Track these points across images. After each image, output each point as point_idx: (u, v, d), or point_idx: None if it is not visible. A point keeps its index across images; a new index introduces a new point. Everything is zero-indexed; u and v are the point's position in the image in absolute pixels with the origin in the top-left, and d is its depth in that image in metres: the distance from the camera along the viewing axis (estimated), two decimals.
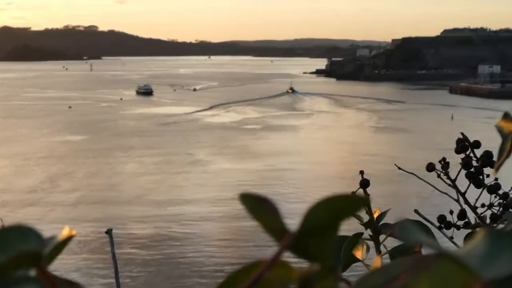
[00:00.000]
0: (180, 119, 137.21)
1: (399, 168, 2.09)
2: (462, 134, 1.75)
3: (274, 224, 0.59)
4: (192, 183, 63.90)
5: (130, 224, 45.83)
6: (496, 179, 1.65)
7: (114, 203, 53.23)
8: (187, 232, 44.08)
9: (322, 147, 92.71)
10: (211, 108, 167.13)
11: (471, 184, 1.69)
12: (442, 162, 1.77)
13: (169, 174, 68.90)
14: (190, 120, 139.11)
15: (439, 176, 1.75)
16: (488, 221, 1.68)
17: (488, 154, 1.65)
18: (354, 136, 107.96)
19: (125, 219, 47.89)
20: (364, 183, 1.64)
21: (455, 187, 1.71)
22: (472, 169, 1.69)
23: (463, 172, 1.74)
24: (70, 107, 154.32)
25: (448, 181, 1.73)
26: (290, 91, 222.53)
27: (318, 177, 66.57)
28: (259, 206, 0.61)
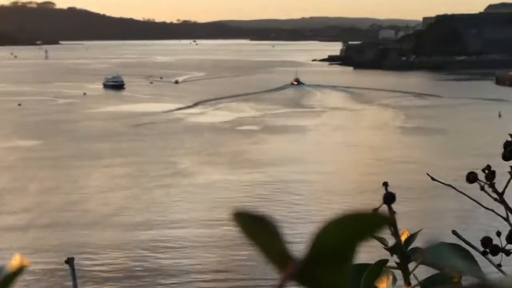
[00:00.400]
0: (158, 119, 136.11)
1: (433, 179, 2.10)
2: None
3: (276, 249, 0.59)
4: (174, 199, 63.98)
5: (96, 253, 45.50)
6: None
7: (75, 226, 53.08)
8: (167, 264, 43.85)
9: (335, 153, 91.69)
10: (197, 104, 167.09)
11: None
12: (487, 171, 1.73)
13: (145, 189, 68.84)
14: (172, 120, 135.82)
15: (482, 188, 1.72)
16: None
17: None
18: (376, 139, 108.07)
19: (89, 246, 47.63)
20: (389, 198, 1.61)
21: (503, 202, 1.65)
22: None
23: None
24: (19, 104, 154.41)
25: (494, 195, 1.69)
26: (295, 83, 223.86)
27: (331, 191, 66.57)
28: (257, 227, 0.60)
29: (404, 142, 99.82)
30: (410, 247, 1.55)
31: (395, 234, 1.56)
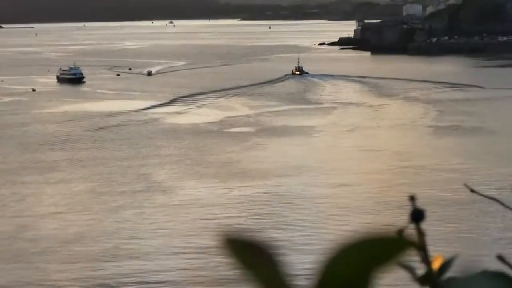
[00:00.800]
0: (127, 120, 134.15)
1: (472, 191, 2.12)
2: None
3: (275, 282, 0.62)
4: (148, 222, 63.75)
5: None
6: None
7: (25, 258, 52.93)
8: None
9: (350, 160, 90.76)
10: (175, 101, 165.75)
11: None
12: None
13: (111, 209, 68.40)
14: (144, 122, 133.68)
15: None
16: None
17: None
18: (401, 142, 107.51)
19: (44, 284, 47.36)
20: (417, 215, 1.63)
21: None
22: None
23: None
24: None
25: None
26: (297, 73, 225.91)
27: (345, 208, 66.26)
28: (252, 256, 0.63)
29: (437, 146, 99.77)
30: (444, 277, 1.56)
31: (425, 260, 1.56)
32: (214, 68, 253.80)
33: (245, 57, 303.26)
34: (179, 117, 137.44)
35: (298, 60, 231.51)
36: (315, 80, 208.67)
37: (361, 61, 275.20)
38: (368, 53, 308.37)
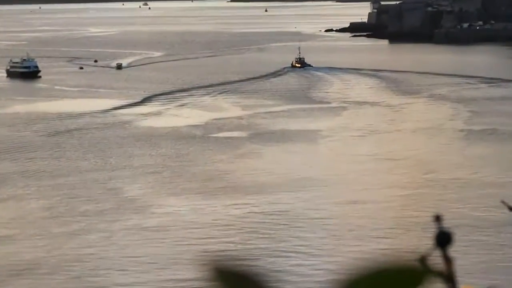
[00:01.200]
0: (92, 123, 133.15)
1: (511, 209, 2.01)
2: None
3: None
4: (116, 249, 63.13)
5: None
6: None
7: None
8: None
9: (364, 172, 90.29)
10: (150, 100, 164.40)
11: None
12: None
13: (71, 232, 67.65)
14: (113, 125, 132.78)
15: None
16: None
17: None
18: (425, 149, 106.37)
19: None
20: (443, 239, 1.63)
21: None
22: None
23: None
24: None
25: None
26: (297, 65, 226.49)
27: (357, 230, 65.73)
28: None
29: (469, 154, 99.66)
30: None
31: None
32: (198, 60, 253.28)
33: (236, 46, 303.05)
34: (155, 119, 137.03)
35: (299, 50, 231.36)
36: (320, 74, 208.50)
37: (376, 51, 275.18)
38: (385, 42, 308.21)
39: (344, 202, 75.83)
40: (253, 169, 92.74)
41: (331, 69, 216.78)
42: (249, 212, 72.99)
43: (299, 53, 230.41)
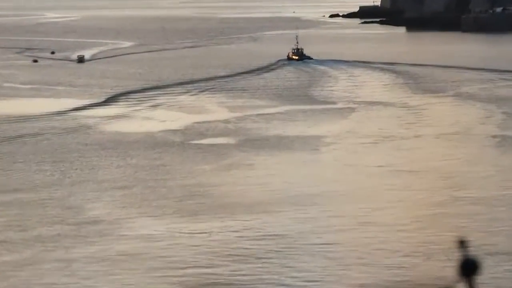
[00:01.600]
0: (48, 127, 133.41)
1: None
2: None
3: None
4: (75, 281, 61.94)
5: None
6: None
7: None
8: None
9: (377, 186, 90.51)
10: (119, 99, 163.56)
11: None
12: None
13: (21, 261, 66.66)
14: (73, 129, 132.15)
15: None
16: None
17: None
18: (450, 159, 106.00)
19: None
20: (468, 267, 1.74)
21: None
22: None
23: None
24: None
25: None
26: (294, 57, 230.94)
27: (368, 255, 65.65)
28: None
29: (503, 165, 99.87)
30: None
31: None
32: (177, 52, 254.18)
33: (223, 35, 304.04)
34: (124, 122, 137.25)
35: (297, 39, 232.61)
36: (322, 68, 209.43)
37: (391, 40, 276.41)
38: (402, 29, 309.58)
39: (352, 224, 75.96)
40: (243, 184, 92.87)
41: (336, 62, 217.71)
42: (237, 237, 73.04)
43: (297, 43, 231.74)
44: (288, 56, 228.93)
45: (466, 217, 76.58)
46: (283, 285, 60.44)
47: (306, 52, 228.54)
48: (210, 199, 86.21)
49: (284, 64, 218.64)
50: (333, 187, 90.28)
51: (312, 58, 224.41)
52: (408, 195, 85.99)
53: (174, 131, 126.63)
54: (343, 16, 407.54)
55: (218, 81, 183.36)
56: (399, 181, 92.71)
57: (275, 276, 62.24)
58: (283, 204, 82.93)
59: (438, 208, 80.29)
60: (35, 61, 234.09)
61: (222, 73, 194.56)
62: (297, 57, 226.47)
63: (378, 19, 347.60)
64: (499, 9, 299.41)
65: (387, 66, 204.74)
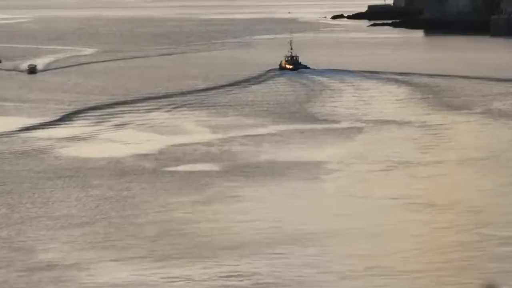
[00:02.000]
0: None
1: None
2: None
3: None
4: None
5: None
6: None
7: None
8: None
9: (388, 222, 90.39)
10: (77, 117, 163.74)
11: None
12: None
13: None
14: (23, 153, 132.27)
15: None
16: None
17: None
18: (478, 190, 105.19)
19: None
20: None
21: None
22: None
23: None
24: None
25: None
26: (288, 66, 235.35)
27: None
28: None
29: None
30: None
31: None
32: (148, 60, 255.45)
33: (204, 40, 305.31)
34: (84, 145, 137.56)
35: (291, 45, 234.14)
36: (322, 79, 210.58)
37: (406, 46, 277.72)
38: (419, 33, 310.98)
39: (359, 269, 75.76)
40: (227, 220, 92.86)
41: (337, 73, 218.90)
42: (221, 286, 72.83)
43: (291, 49, 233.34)
44: (280, 65, 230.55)
45: (497, 260, 76.50)
46: None
47: (302, 60, 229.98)
48: (188, 239, 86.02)
49: (276, 75, 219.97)
50: (336, 224, 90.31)
51: (309, 68, 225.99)
52: (427, 234, 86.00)
53: (145, 156, 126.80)
54: (348, 17, 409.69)
55: (197, 95, 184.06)
56: (417, 217, 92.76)
57: None
58: (276, 245, 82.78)
59: (463, 250, 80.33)
60: None
61: (203, 86, 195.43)
62: (291, 66, 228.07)
63: (390, 21, 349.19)
64: None
65: (401, 77, 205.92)
